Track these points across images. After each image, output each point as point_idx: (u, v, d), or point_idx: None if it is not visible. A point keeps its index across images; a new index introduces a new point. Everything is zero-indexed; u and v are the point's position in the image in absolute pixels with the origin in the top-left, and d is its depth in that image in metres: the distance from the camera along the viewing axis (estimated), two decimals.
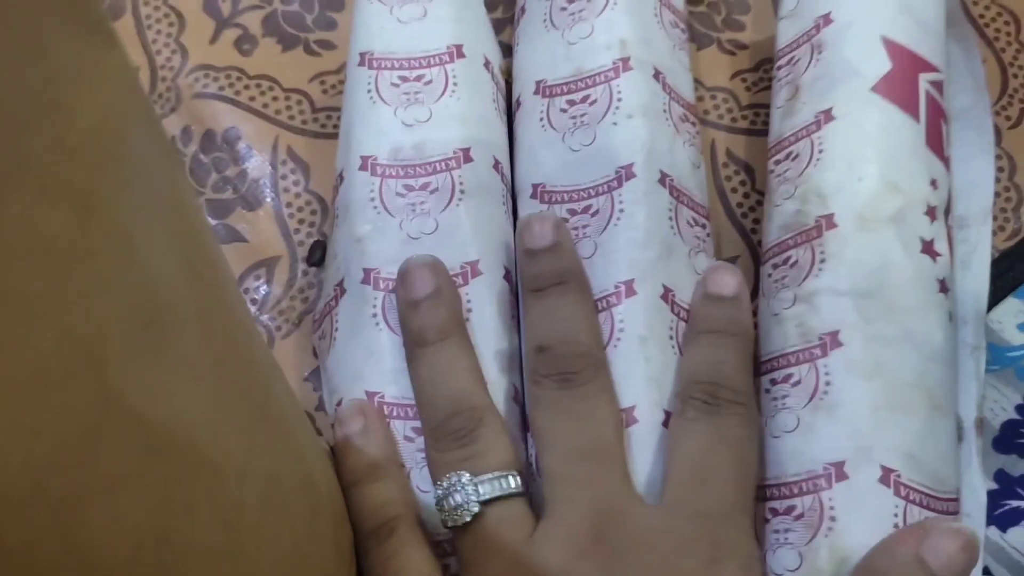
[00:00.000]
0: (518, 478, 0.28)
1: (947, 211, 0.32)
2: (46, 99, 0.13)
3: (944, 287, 0.31)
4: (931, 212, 0.31)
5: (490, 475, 0.28)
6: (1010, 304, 0.35)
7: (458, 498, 0.28)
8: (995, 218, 0.35)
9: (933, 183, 0.32)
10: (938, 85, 0.33)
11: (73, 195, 0.13)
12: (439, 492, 0.28)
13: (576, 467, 0.28)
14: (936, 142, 0.32)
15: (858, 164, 0.31)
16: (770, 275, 0.32)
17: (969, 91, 0.35)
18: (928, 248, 0.31)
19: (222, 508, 0.16)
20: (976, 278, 0.34)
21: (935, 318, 0.30)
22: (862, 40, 0.33)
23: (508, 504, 0.28)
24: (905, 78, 0.32)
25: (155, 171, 0.16)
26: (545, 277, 0.30)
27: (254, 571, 0.17)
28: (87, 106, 0.14)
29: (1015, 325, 0.34)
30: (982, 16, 0.39)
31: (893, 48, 0.32)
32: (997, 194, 0.36)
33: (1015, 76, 0.38)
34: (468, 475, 0.28)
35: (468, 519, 0.27)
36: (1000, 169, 0.36)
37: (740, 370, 0.30)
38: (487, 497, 0.28)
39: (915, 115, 0.32)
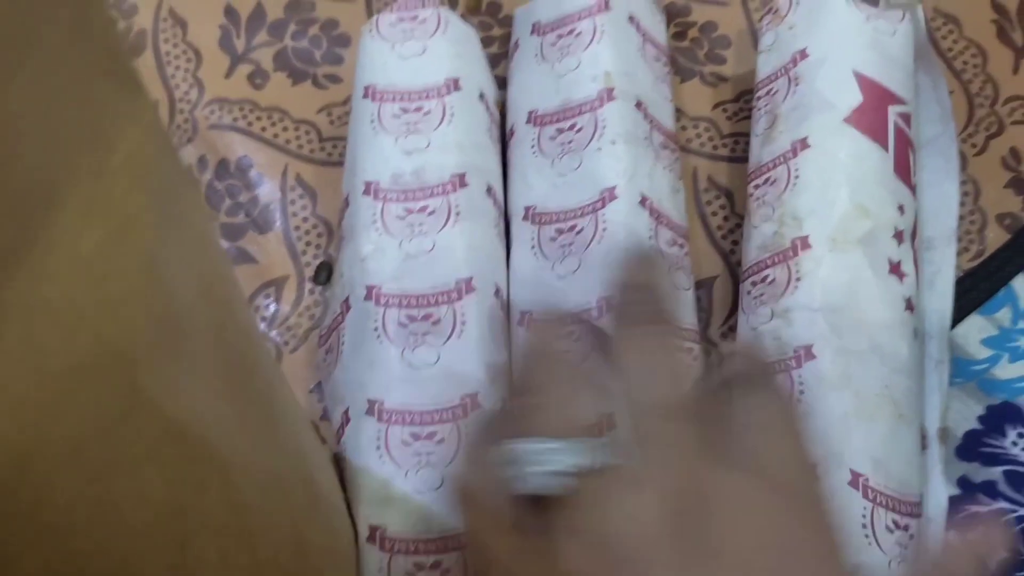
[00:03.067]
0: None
1: (913, 234, 0.35)
2: (90, 134, 0.16)
3: (910, 305, 0.33)
4: (898, 235, 0.33)
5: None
6: (974, 321, 0.37)
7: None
8: (960, 240, 0.37)
9: (900, 208, 0.34)
10: (906, 117, 0.35)
11: (109, 217, 0.16)
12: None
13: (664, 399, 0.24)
14: (904, 170, 0.34)
15: (831, 189, 0.33)
16: (749, 292, 0.35)
17: (936, 120, 0.37)
18: (895, 269, 0.33)
19: (229, 491, 0.18)
20: (941, 296, 0.36)
21: (901, 334, 0.32)
22: (835, 74, 0.35)
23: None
24: (875, 110, 0.34)
25: (176, 197, 0.19)
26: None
27: (256, 550, 0.19)
28: (122, 141, 0.16)
29: (978, 340, 0.36)
30: (951, 49, 0.41)
31: (864, 82, 0.35)
32: (962, 217, 0.38)
33: (980, 106, 0.40)
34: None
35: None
36: (966, 193, 0.38)
37: None
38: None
39: (884, 144, 0.34)
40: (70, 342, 0.15)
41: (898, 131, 0.35)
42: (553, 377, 0.25)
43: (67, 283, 0.15)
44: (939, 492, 0.33)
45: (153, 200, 0.17)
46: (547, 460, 0.23)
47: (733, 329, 0.36)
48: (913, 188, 0.35)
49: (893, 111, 0.35)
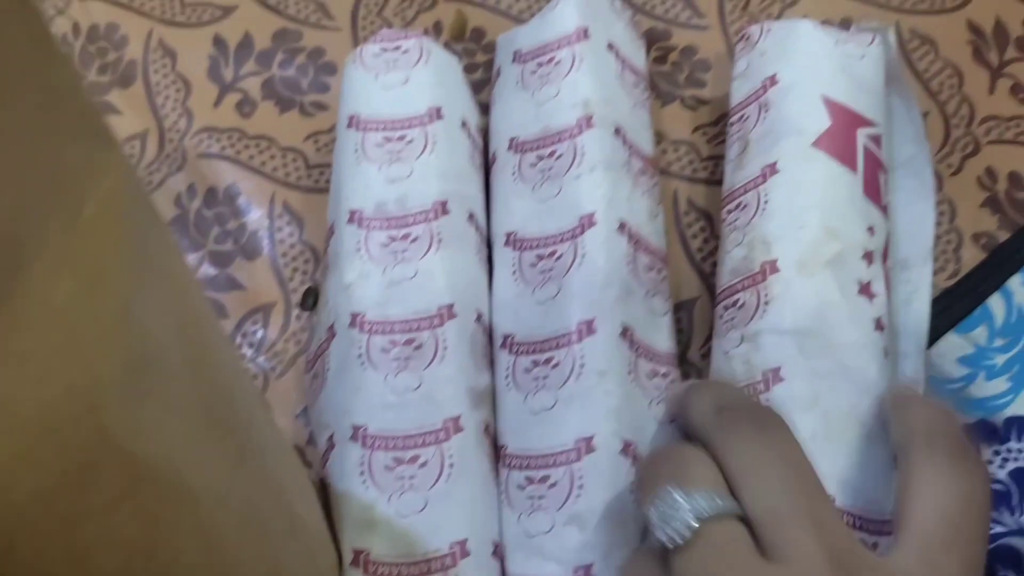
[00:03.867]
0: (731, 499, 0.27)
1: (885, 255, 0.35)
2: (60, 192, 0.17)
3: (880, 325, 0.34)
4: (868, 256, 0.34)
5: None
6: (950, 340, 0.37)
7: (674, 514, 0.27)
8: (936, 259, 0.38)
9: (870, 229, 0.34)
10: (876, 138, 0.36)
11: (80, 270, 0.17)
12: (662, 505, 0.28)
13: (796, 504, 0.27)
14: (873, 191, 0.35)
15: (799, 213, 0.34)
16: (721, 316, 0.35)
17: (911, 142, 0.38)
18: (865, 289, 0.34)
19: (203, 530, 0.19)
20: (917, 315, 0.37)
21: (870, 354, 0.33)
22: (804, 99, 0.36)
23: (725, 523, 0.27)
24: (843, 133, 0.35)
25: (150, 245, 0.19)
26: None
27: None
28: (92, 195, 0.17)
29: (954, 359, 0.37)
30: (927, 70, 0.42)
31: (832, 106, 0.35)
32: (938, 237, 0.38)
33: (956, 126, 0.40)
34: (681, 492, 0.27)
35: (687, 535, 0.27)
36: (942, 213, 0.39)
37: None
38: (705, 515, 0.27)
39: (853, 167, 0.35)
40: (40, 392, 0.15)
41: (868, 153, 0.35)
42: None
43: (38, 334, 0.16)
44: None
45: (125, 249, 0.18)
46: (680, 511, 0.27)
47: (707, 356, 0.37)
48: (884, 208, 0.36)
49: (863, 133, 0.35)
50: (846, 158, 0.35)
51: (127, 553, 0.17)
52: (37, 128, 0.15)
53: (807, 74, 0.36)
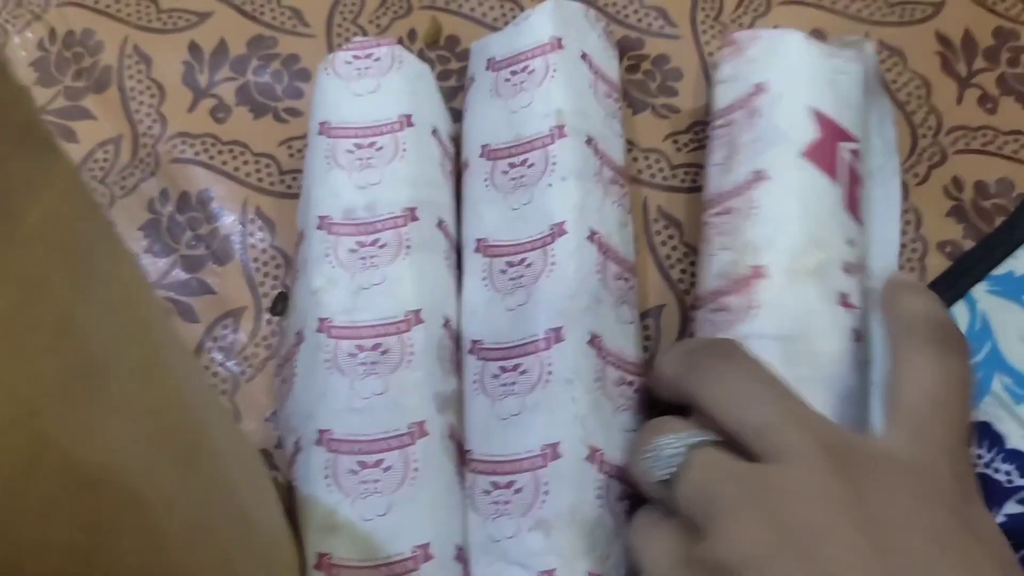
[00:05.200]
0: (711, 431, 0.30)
1: (861, 268, 0.35)
2: (0, 202, 0.17)
3: (858, 336, 0.34)
4: (847, 268, 0.34)
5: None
6: None
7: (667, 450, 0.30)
8: (902, 267, 0.38)
9: (851, 242, 0.35)
10: (856, 153, 0.36)
11: (21, 279, 0.17)
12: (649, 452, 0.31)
13: (779, 410, 0.29)
14: (853, 205, 0.35)
15: (787, 221, 0.34)
16: (708, 319, 0.35)
17: (881, 153, 0.38)
18: (844, 301, 0.34)
19: (148, 534, 0.19)
20: (883, 324, 0.37)
21: (850, 364, 0.33)
22: (793, 109, 0.36)
23: (710, 447, 0.30)
24: (829, 146, 0.35)
25: (97, 253, 0.20)
26: None
27: None
28: (33, 207, 0.17)
29: None
30: (895, 81, 0.42)
31: (820, 118, 0.36)
32: (904, 245, 0.39)
33: (923, 136, 0.41)
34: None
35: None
36: (908, 222, 0.39)
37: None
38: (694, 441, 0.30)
39: (835, 180, 0.35)
40: None
41: (849, 167, 0.36)
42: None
43: None
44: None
45: (68, 257, 0.18)
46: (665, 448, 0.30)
47: None
48: (860, 223, 0.36)
49: (844, 148, 0.36)
50: (831, 170, 0.35)
51: (63, 557, 0.17)
52: None
53: (797, 85, 0.36)
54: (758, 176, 0.35)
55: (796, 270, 0.34)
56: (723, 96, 0.39)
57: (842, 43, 0.38)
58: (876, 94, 0.38)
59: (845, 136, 0.36)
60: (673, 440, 0.30)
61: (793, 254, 0.34)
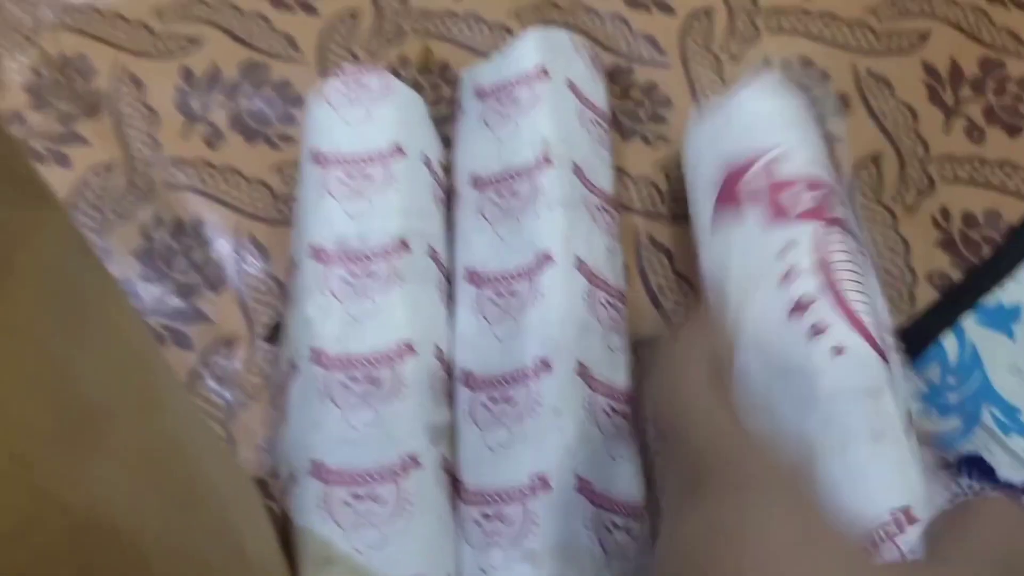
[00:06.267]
0: None
1: (821, 265, 0.36)
2: None
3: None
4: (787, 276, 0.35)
5: None
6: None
7: None
8: (890, 298, 0.38)
9: (781, 252, 0.35)
10: (775, 162, 0.37)
11: (11, 330, 0.17)
12: None
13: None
14: (780, 212, 0.36)
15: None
16: None
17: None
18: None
19: (145, 574, 0.19)
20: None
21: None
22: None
23: None
24: (729, 188, 0.36)
25: (88, 297, 0.20)
26: None
27: None
28: (22, 257, 0.17)
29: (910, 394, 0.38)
30: (882, 109, 0.42)
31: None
32: (893, 275, 0.39)
33: (911, 166, 0.41)
34: None
35: None
36: (896, 252, 0.40)
37: None
38: None
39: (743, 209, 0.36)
40: None
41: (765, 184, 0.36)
42: None
43: None
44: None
45: (58, 306, 0.18)
46: None
47: None
48: (807, 216, 0.36)
49: (754, 170, 0.37)
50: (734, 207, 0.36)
51: None
52: None
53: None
54: None
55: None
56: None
57: (814, 98, 0.39)
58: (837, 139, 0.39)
59: (751, 162, 0.36)
60: None
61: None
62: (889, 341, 0.34)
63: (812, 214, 0.35)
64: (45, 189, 0.18)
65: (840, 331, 0.33)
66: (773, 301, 0.34)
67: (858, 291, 0.34)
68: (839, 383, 0.32)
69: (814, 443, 0.31)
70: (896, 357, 0.34)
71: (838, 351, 0.32)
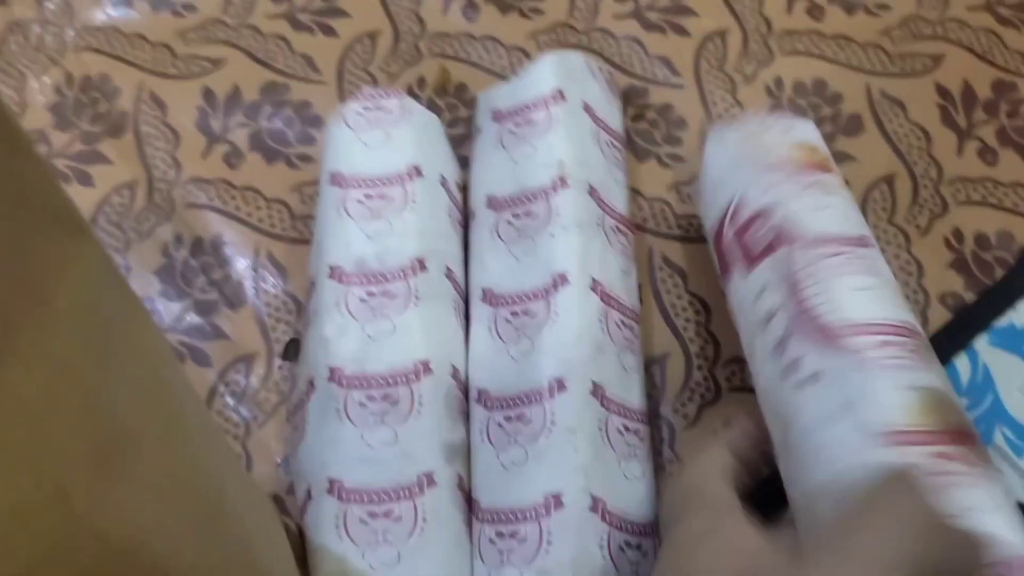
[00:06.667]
0: None
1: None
2: (31, 287, 0.18)
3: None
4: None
5: None
6: None
7: None
8: None
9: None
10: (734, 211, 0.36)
11: (50, 362, 0.18)
12: None
13: None
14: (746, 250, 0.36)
15: None
16: None
17: None
18: None
19: None
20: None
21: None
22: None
23: None
24: (716, 234, 0.38)
25: (117, 320, 0.20)
26: None
27: None
28: (62, 287, 0.18)
29: None
30: (896, 132, 0.43)
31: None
32: (906, 296, 0.39)
33: (924, 187, 0.41)
34: None
35: None
36: (909, 274, 0.40)
37: None
38: None
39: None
40: (12, 482, 0.16)
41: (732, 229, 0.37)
42: None
43: (10, 427, 0.16)
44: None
45: (94, 337, 0.19)
46: None
47: (684, 405, 0.38)
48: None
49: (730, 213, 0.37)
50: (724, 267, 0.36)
51: None
52: (7, 225, 0.16)
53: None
54: None
55: None
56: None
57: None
58: None
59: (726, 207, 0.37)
60: None
61: None
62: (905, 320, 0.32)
63: (772, 245, 0.34)
64: (80, 219, 0.19)
65: (812, 359, 0.31)
66: (764, 349, 0.33)
67: (824, 294, 0.32)
68: (812, 417, 0.30)
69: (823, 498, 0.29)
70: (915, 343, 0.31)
71: (814, 379, 0.31)
